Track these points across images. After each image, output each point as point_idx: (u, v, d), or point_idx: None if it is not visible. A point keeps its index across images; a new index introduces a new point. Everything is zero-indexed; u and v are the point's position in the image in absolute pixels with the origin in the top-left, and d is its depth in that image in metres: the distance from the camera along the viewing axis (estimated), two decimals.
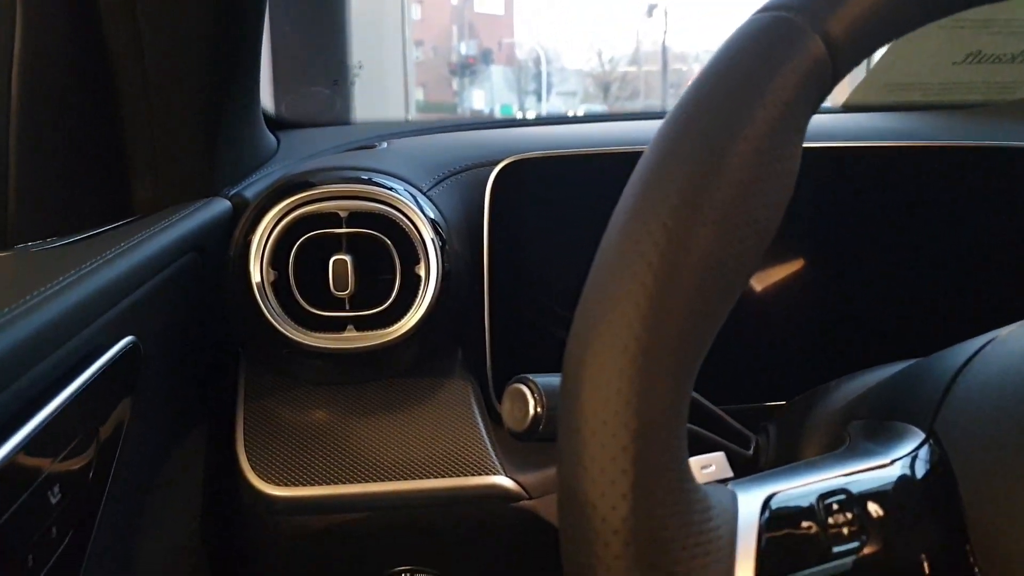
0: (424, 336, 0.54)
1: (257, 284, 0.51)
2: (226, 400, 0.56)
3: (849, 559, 0.28)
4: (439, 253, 0.52)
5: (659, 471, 0.25)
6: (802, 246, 0.63)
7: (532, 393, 0.43)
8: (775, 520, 0.28)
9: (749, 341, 0.63)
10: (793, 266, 0.63)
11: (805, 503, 0.29)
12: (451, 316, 0.56)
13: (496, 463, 0.54)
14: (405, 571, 0.56)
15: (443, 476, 0.53)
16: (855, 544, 0.28)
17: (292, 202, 0.52)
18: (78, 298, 0.37)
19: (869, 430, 0.38)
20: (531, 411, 0.42)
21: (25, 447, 0.31)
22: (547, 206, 0.60)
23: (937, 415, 0.33)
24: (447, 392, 0.57)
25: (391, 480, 0.52)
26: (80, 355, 0.37)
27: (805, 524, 0.28)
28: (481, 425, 0.56)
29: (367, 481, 0.52)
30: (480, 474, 0.53)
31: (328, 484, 0.52)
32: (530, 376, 0.43)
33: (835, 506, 0.29)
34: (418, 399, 0.57)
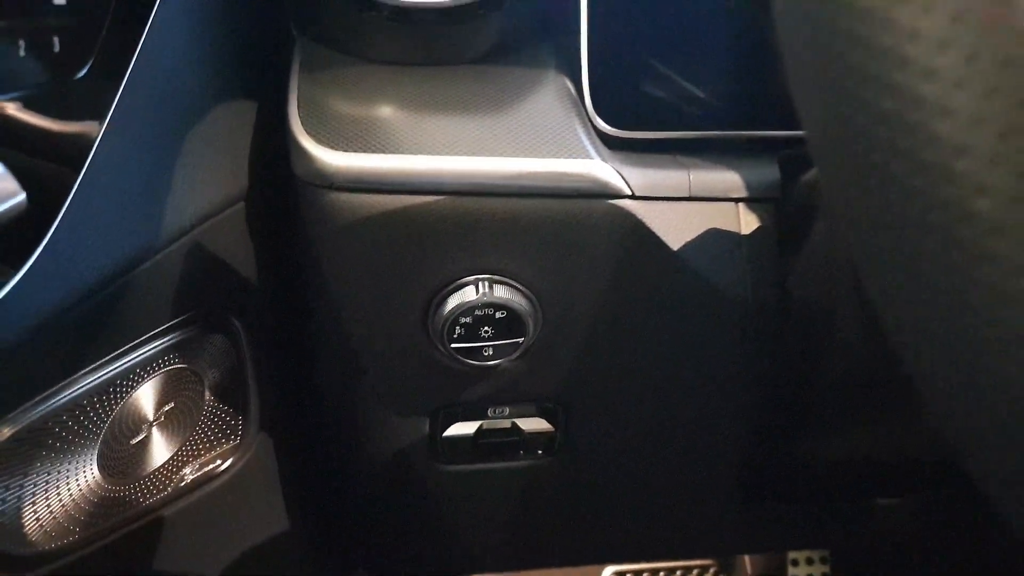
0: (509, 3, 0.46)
1: None
2: (280, 84, 0.49)
3: None
4: None
5: None
6: None
7: None
8: None
9: None
10: None
11: None
12: None
13: (593, 151, 0.47)
14: (483, 279, 0.49)
15: (531, 156, 0.46)
16: None
17: None
18: None
19: None
20: None
21: None
22: None
23: None
24: (536, 83, 0.49)
25: (469, 155, 0.45)
26: None
27: None
28: (576, 118, 0.48)
29: (441, 153, 0.45)
30: (576, 158, 0.46)
31: (395, 152, 0.44)
32: None
33: None
34: (502, 86, 0.49)
